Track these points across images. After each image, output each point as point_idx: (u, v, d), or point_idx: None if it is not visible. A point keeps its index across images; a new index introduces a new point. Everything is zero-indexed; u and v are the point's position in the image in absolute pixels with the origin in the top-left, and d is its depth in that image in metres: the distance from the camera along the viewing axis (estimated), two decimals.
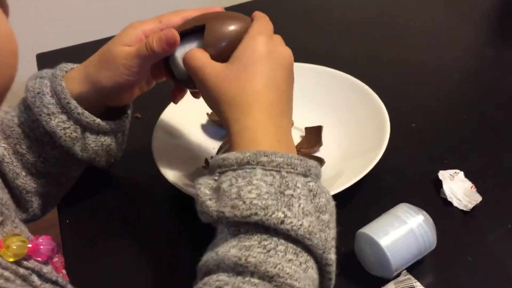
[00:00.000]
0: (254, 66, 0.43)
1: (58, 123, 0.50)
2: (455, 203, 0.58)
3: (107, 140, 0.55)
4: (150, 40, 0.47)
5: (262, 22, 0.47)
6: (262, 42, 0.44)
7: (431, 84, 0.82)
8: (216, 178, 0.39)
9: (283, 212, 0.35)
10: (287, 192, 0.36)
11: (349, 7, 1.07)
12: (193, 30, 0.48)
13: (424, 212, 0.51)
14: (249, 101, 0.42)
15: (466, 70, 0.87)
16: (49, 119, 0.50)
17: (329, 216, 0.39)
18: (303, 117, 0.69)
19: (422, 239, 0.50)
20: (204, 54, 0.45)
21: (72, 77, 0.51)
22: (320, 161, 0.61)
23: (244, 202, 0.35)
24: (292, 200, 0.36)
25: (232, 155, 0.38)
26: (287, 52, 0.46)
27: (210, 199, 0.38)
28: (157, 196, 0.63)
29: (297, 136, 0.68)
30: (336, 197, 0.42)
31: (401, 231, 0.49)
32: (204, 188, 0.38)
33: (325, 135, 0.67)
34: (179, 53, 0.48)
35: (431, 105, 0.76)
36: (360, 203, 0.60)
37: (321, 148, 0.66)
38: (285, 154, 0.38)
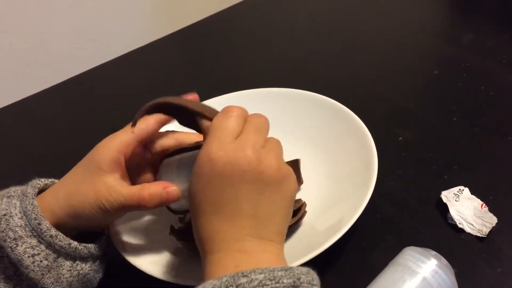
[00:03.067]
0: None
1: (26, 249, 0.41)
2: (468, 229, 0.50)
3: (84, 267, 0.45)
4: (146, 197, 0.42)
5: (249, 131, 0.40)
6: (219, 153, 0.38)
7: (410, 87, 0.74)
8: None
9: None
10: None
11: (301, 18, 1.00)
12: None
13: (436, 254, 0.43)
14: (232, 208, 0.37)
15: (445, 62, 0.79)
16: (15, 245, 0.41)
17: None
18: None
19: None
20: None
21: (51, 208, 0.44)
22: (301, 204, 0.51)
23: None
24: None
25: (208, 284, 0.32)
26: (247, 160, 0.38)
27: None
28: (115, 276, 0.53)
29: None
30: None
31: (414, 284, 0.41)
32: None
33: (304, 169, 0.57)
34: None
35: (414, 112, 0.68)
36: (359, 246, 0.51)
37: (302, 186, 0.56)
38: (266, 269, 0.32)
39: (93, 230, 0.48)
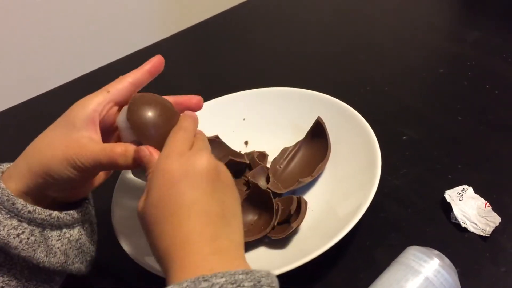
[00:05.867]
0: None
1: (9, 231, 0.40)
2: (471, 229, 0.50)
3: (73, 234, 0.45)
4: (118, 152, 0.41)
5: (180, 132, 0.41)
6: (174, 162, 0.38)
7: (415, 85, 0.74)
8: None
9: None
10: None
11: (307, 18, 1.00)
12: None
13: (438, 253, 0.43)
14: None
15: (451, 61, 0.79)
16: None
17: None
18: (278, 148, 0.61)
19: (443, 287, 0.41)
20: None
21: (10, 175, 0.42)
22: (301, 201, 0.52)
23: None
24: None
25: None
26: (204, 162, 0.39)
27: None
28: (119, 274, 0.54)
29: None
30: None
31: (416, 284, 0.41)
32: None
33: None
34: None
35: (419, 110, 0.68)
36: (363, 244, 0.51)
37: (307, 185, 0.57)
38: (227, 273, 0.32)
39: (72, 198, 0.47)
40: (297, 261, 0.44)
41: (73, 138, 0.41)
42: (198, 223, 0.36)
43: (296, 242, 0.50)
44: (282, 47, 0.90)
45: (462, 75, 0.73)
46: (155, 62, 0.46)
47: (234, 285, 0.31)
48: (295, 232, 0.50)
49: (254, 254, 0.51)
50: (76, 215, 0.45)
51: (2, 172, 0.43)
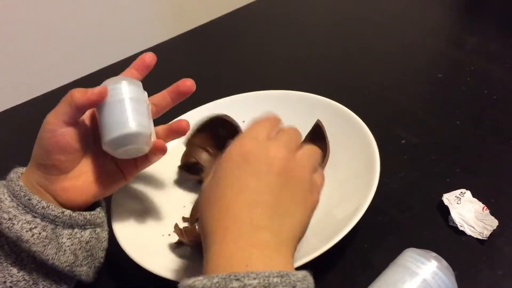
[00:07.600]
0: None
1: (23, 225, 0.43)
2: (468, 232, 0.50)
3: (84, 235, 0.46)
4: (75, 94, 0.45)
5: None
6: (252, 143, 0.39)
7: (414, 90, 0.74)
8: None
9: None
10: None
11: (308, 21, 1.00)
12: None
13: (436, 255, 0.43)
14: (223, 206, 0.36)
15: (449, 66, 0.79)
16: (11, 224, 0.42)
17: None
18: None
19: None
20: None
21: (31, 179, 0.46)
22: None
23: None
24: None
25: (198, 282, 0.31)
26: (280, 154, 0.38)
27: None
28: (118, 274, 0.54)
29: None
30: None
31: (414, 286, 0.41)
32: None
33: None
34: None
35: (418, 114, 0.68)
36: (361, 247, 0.51)
37: None
38: (261, 274, 0.30)
39: (82, 197, 0.47)
40: (295, 263, 0.44)
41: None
42: (245, 211, 0.35)
43: None
44: (282, 50, 0.90)
45: (460, 80, 0.73)
46: (180, 83, 0.50)
47: None
48: None
49: None
50: (88, 217, 0.46)
51: (22, 174, 0.46)
